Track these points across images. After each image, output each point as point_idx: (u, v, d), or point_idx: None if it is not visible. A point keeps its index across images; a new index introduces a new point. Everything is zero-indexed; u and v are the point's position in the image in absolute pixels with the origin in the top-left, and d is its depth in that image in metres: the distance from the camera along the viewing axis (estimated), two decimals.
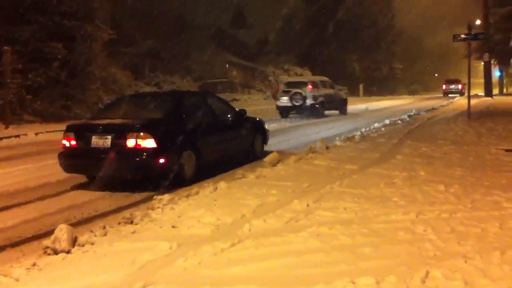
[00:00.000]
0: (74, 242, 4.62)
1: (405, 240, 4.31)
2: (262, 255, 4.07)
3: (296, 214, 5.21)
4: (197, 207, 5.63)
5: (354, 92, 56.29)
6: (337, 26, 61.40)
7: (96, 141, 7.74)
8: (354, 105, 29.86)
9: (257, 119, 11.27)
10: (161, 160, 7.57)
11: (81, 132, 8.05)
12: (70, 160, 8.06)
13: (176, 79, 31.89)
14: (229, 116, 9.97)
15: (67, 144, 8.06)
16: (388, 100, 41.11)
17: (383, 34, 68.90)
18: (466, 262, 3.73)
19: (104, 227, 5.08)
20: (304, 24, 64.42)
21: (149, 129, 7.61)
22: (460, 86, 48.02)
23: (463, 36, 16.60)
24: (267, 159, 8.77)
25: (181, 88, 30.81)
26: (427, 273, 3.54)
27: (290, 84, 23.91)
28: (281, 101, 22.99)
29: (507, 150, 9.13)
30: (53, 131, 16.17)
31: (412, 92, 77.21)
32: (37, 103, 19.69)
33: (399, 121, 17.26)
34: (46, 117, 19.74)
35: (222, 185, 6.78)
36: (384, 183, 6.61)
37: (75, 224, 5.68)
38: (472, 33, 17.11)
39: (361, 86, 58.91)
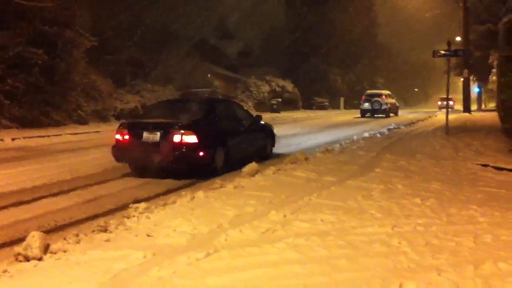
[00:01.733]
0: (46, 249, 4.53)
1: (380, 253, 4.32)
2: (237, 265, 4.05)
3: (273, 225, 5.20)
4: (173, 216, 5.58)
5: (335, 105, 56.72)
6: (320, 40, 61.80)
7: (147, 136, 9.37)
8: (335, 118, 30.09)
9: (268, 124, 13.08)
10: (201, 153, 9.20)
11: (134, 129, 9.68)
12: (123, 151, 9.64)
13: (158, 88, 31.74)
14: (248, 121, 11.73)
15: (120, 138, 9.65)
16: None
17: (366, 49, 69.60)
18: (440, 275, 3.76)
19: (78, 235, 5.00)
20: (287, 37, 64.79)
21: (192, 128, 9.28)
22: (452, 103, 49.61)
23: (442, 52, 16.81)
24: (245, 169, 8.75)
25: (162, 97, 30.71)
26: (401, 285, 3.56)
27: (368, 95, 35.18)
28: (364, 106, 34.29)
29: (483, 165, 9.25)
30: (31, 137, 15.98)
31: None
32: (16, 108, 19.41)
33: (378, 135, 17.37)
34: (24, 123, 19.44)
35: (199, 194, 6.75)
36: (362, 195, 6.63)
37: (48, 231, 5.59)
38: (452, 49, 17.37)
39: (342, 100, 59.31)
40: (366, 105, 34.17)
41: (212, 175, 9.22)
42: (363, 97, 35.71)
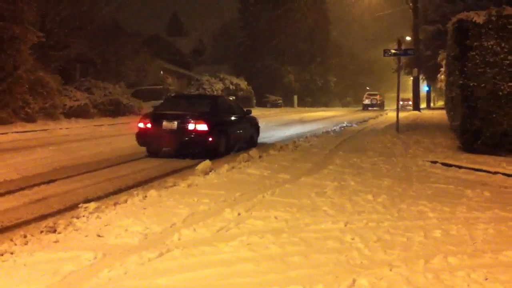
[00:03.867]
0: None
1: (333, 249, 4.35)
2: (190, 265, 3.99)
3: (227, 223, 5.16)
4: (125, 216, 5.47)
5: (288, 103, 57.08)
6: (273, 38, 62.07)
7: (166, 124, 11.64)
8: (289, 116, 30.22)
9: (255, 117, 15.38)
10: (210, 139, 11.54)
11: (155, 118, 11.91)
12: (146, 137, 11.88)
13: (108, 85, 31.09)
14: (241, 114, 14.14)
15: (143, 126, 11.84)
16: (322, 112, 41.92)
17: (319, 47, 70.28)
18: (391, 270, 3.81)
19: (25, 236, 4.84)
20: (241, 35, 64.82)
21: (203, 118, 11.61)
22: (410, 102, 50.88)
23: (393, 51, 17.13)
24: (199, 167, 8.67)
25: (114, 94, 30.13)
26: (354, 281, 3.59)
27: (369, 94, 53.56)
28: (365, 101, 51.71)
29: (432, 162, 9.48)
30: None
31: (345, 105, 79.20)
32: None
33: (331, 132, 17.60)
34: None
35: (152, 193, 6.64)
36: (315, 192, 6.68)
37: None
38: (402, 48, 17.72)
39: (295, 98, 59.78)
40: (367, 101, 51.22)
41: (215, 156, 11.21)
42: (365, 96, 53.30)
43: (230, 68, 60.56)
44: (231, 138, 12.87)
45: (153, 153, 11.96)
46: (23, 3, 21.00)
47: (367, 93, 55.65)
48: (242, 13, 65.34)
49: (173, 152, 11.83)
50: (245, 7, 64.88)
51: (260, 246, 4.44)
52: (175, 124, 11.56)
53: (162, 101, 18.49)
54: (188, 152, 11.62)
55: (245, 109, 14.77)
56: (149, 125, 11.80)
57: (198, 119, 11.53)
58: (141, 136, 11.87)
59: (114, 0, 36.15)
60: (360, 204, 6.04)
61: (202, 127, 11.44)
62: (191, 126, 11.47)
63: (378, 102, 51.02)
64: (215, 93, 47.32)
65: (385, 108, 50.66)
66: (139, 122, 12.02)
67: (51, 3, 27.03)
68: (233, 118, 13.50)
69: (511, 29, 10.21)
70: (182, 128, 11.48)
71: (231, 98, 25.79)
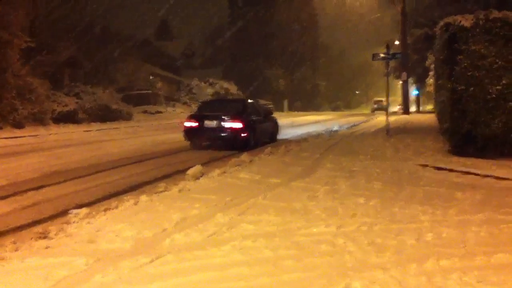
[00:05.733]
0: None
1: (326, 253, 4.35)
2: (183, 269, 3.98)
3: (219, 227, 5.15)
4: (116, 221, 5.44)
5: (278, 107, 57.22)
6: (263, 42, 62.18)
7: (208, 123, 14.41)
8: (280, 120, 30.13)
9: (275, 117, 18.19)
10: (243, 135, 14.31)
11: (199, 119, 14.66)
12: (192, 134, 14.71)
13: (97, 90, 30.97)
14: (264, 114, 16.87)
15: (189, 125, 14.70)
16: (312, 116, 42.04)
17: (308, 52, 70.49)
18: (384, 273, 3.82)
19: (15, 242, 4.80)
20: (230, 39, 64.86)
21: (238, 117, 14.41)
22: (383, 103, 55.77)
23: (382, 55, 17.24)
24: (190, 172, 8.65)
25: (103, 99, 30.04)
26: (347, 284, 3.59)
27: (376, 101, 63.32)
28: (374, 106, 61.59)
29: (423, 165, 9.52)
30: None
31: (335, 109, 79.47)
32: None
33: (322, 136, 17.64)
34: None
35: (143, 198, 6.61)
36: (307, 196, 6.68)
37: None
38: (391, 52, 17.82)
39: (285, 102, 59.89)
40: (375, 105, 61.34)
41: (246, 149, 13.54)
42: (374, 101, 65.89)
43: (220, 72, 60.57)
44: (258, 134, 15.45)
45: (196, 147, 14.62)
46: (10, 7, 20.87)
47: (375, 99, 68.11)
48: (231, 17, 65.44)
49: (213, 146, 14.46)
50: (234, 11, 65.01)
51: (252, 250, 4.43)
52: (214, 122, 14.31)
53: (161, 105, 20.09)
54: (225, 145, 14.24)
55: (267, 111, 17.93)
56: (193, 124, 14.60)
57: (233, 118, 14.25)
58: (188, 133, 14.73)
59: (103, 5, 36.05)
60: (352, 207, 6.04)
61: (237, 125, 14.15)
62: (228, 124, 14.21)
63: (384, 106, 54.98)
64: (204, 98, 47.45)
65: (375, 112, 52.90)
66: (186, 121, 14.96)
67: (40, 7, 26.90)
68: (258, 117, 15.93)
69: (499, 32, 10.30)
70: (221, 126, 14.26)
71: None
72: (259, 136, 15.61)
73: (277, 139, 17.32)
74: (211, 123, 14.32)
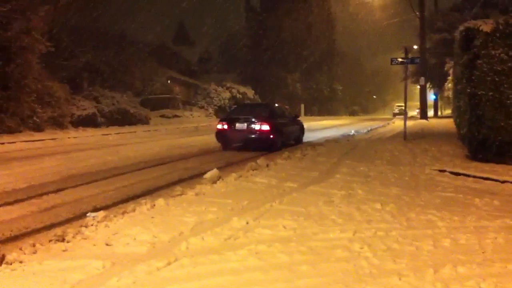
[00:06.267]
0: (1, 260, 4.38)
1: (342, 258, 4.33)
2: (199, 273, 3.98)
3: (235, 232, 5.16)
4: (133, 225, 5.47)
5: (295, 112, 57.10)
6: (280, 47, 62.19)
7: (238, 125, 15.53)
8: None
9: (301, 121, 19.42)
10: (271, 136, 15.35)
11: (230, 121, 15.85)
12: (223, 136, 15.88)
13: (116, 94, 31.23)
14: (290, 118, 18.34)
15: (221, 127, 15.90)
16: (329, 121, 41.93)
17: (325, 56, 70.37)
18: (400, 279, 3.79)
19: (34, 245, 4.85)
20: (247, 44, 64.97)
21: (266, 120, 15.42)
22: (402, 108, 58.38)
23: (400, 59, 17.15)
24: (207, 176, 8.68)
25: (121, 103, 30.31)
26: None
27: (397, 105, 67.21)
28: (394, 111, 65.63)
29: (440, 171, 9.44)
30: None
31: (352, 114, 79.17)
32: None
33: (339, 141, 17.57)
34: None
35: (160, 202, 6.64)
36: (323, 201, 6.66)
37: (3, 241, 5.41)
38: (409, 57, 17.72)
39: (302, 106, 59.78)
40: (396, 110, 64.30)
41: (274, 149, 15.06)
42: (394, 107, 70.30)
43: (237, 76, 60.66)
44: (284, 136, 16.62)
45: (227, 148, 15.94)
46: (31, 13, 21.17)
47: (396, 104, 71.33)
48: (249, 22, 65.56)
49: (244, 147, 15.74)
50: (252, 16, 65.10)
51: (268, 255, 4.43)
52: (245, 125, 15.44)
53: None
54: (254, 146, 15.41)
55: (293, 115, 19.25)
56: (225, 127, 15.86)
57: (262, 121, 15.33)
58: (219, 134, 15.98)
59: (121, 10, 36.39)
60: (368, 212, 6.01)
61: (266, 127, 15.24)
62: (257, 127, 15.30)
63: (404, 111, 60.38)
64: (221, 102, 47.54)
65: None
66: (218, 124, 16.20)
67: (59, 12, 27.24)
68: (285, 121, 17.24)
69: None
70: (250, 128, 15.37)
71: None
72: (286, 138, 16.79)
73: (302, 141, 18.63)
74: (241, 126, 15.46)
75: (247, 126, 15.38)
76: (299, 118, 19.29)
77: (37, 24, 21.75)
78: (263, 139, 15.28)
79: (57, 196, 8.01)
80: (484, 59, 10.32)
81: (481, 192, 7.45)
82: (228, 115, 18.02)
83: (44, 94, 23.23)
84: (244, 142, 15.71)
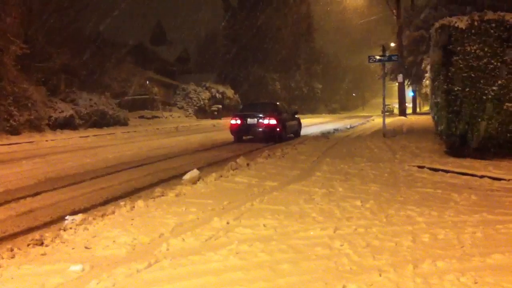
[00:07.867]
0: None
1: (323, 256, 4.34)
2: (179, 275, 3.96)
3: (215, 232, 5.14)
4: (112, 227, 5.42)
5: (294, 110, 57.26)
6: (258, 45, 62.19)
7: (250, 120, 18.35)
8: None
9: (299, 117, 22.40)
10: (278, 129, 18.21)
11: (242, 117, 18.62)
12: (237, 130, 18.66)
13: (93, 96, 30.92)
14: (290, 114, 20.98)
15: (234, 122, 18.67)
16: (309, 119, 42.08)
17: (304, 54, 70.56)
18: (380, 275, 3.81)
19: (12, 249, 4.77)
20: (225, 43, 64.85)
21: (273, 115, 18.30)
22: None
23: (377, 57, 17.27)
24: (187, 176, 8.63)
25: (99, 105, 30.05)
26: (344, 287, 3.58)
27: (384, 105, 56.43)
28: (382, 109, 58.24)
29: (419, 167, 9.52)
30: None
31: (331, 111, 79.54)
32: None
33: (318, 139, 17.64)
34: None
35: (139, 203, 6.59)
36: (304, 199, 6.67)
37: None
38: (387, 54, 17.85)
39: None
40: (383, 109, 62.40)
41: (279, 141, 17.98)
42: (387, 106, 72.56)
43: (217, 76, 60.52)
44: (287, 129, 19.36)
45: (239, 140, 18.79)
46: (5, 14, 20.86)
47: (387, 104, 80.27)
48: (227, 21, 65.44)
49: (255, 139, 18.59)
50: (230, 15, 65.00)
51: (249, 254, 4.42)
52: (255, 120, 18.28)
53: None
54: (264, 138, 18.20)
55: (293, 111, 21.89)
56: (238, 121, 18.62)
57: (270, 116, 18.15)
58: (233, 128, 18.75)
59: (97, 11, 36.05)
60: (349, 210, 6.04)
61: (273, 121, 18.07)
62: (266, 121, 18.10)
63: (390, 109, 65.97)
64: (201, 102, 47.40)
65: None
66: (232, 119, 19.03)
67: (35, 14, 26.89)
68: (287, 116, 19.82)
69: (493, 33, 10.32)
70: (261, 123, 18.17)
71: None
72: (288, 131, 19.58)
73: (300, 135, 21.40)
74: (252, 121, 18.26)
75: (257, 120, 18.17)
76: (297, 115, 21.95)
77: (11, 26, 21.42)
78: (271, 131, 17.98)
79: (35, 200, 7.90)
80: (460, 55, 10.43)
81: (459, 187, 7.53)
82: (240, 111, 20.89)
83: (20, 97, 22.90)
84: (254, 135, 18.49)
